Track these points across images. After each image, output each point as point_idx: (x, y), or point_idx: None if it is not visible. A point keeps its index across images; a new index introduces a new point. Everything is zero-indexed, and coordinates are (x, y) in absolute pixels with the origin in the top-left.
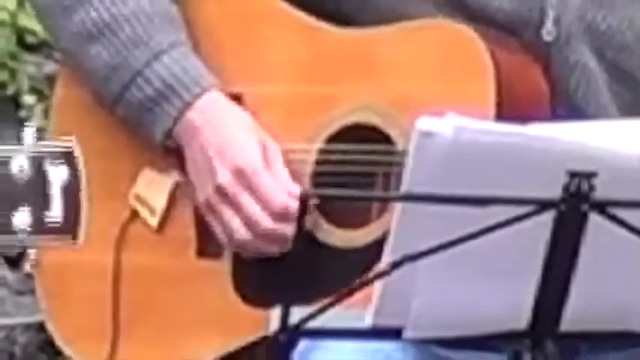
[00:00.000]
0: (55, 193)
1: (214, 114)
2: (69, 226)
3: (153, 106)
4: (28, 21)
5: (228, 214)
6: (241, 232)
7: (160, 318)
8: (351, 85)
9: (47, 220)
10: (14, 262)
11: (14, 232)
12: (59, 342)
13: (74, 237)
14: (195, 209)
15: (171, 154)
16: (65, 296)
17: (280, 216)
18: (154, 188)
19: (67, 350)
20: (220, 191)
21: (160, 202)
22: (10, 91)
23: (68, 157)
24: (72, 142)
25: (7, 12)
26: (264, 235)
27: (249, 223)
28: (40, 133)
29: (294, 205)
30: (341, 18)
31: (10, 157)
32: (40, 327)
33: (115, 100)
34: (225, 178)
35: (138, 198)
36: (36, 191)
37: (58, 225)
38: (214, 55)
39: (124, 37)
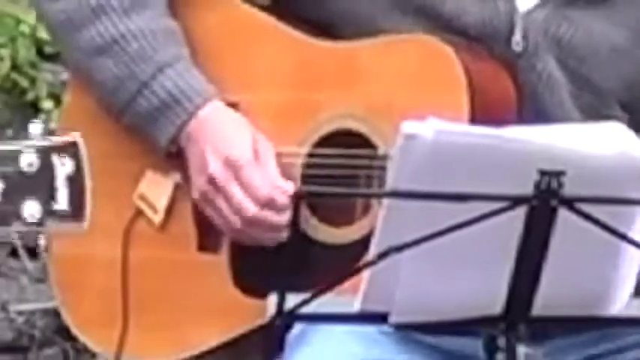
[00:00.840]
0: (61, 184)
1: (214, 121)
2: (75, 214)
3: (158, 116)
4: (46, 33)
5: (220, 202)
6: (231, 219)
7: (166, 307)
8: (336, 93)
9: (55, 209)
10: (34, 252)
11: (24, 221)
12: (73, 329)
13: (80, 223)
14: (195, 207)
15: (173, 157)
16: (78, 288)
17: (266, 204)
18: (156, 189)
19: (80, 337)
20: (212, 181)
21: (162, 202)
22: (30, 96)
23: (73, 150)
24: (76, 137)
25: (27, 25)
26: (251, 222)
27: (237, 210)
28: (49, 130)
29: (279, 196)
30: (325, 31)
31: (19, 153)
32: (58, 312)
33: (123, 110)
34: (215, 168)
35: (142, 198)
36: (44, 183)
37: (65, 213)
38: (212, 66)
39: (131, 52)
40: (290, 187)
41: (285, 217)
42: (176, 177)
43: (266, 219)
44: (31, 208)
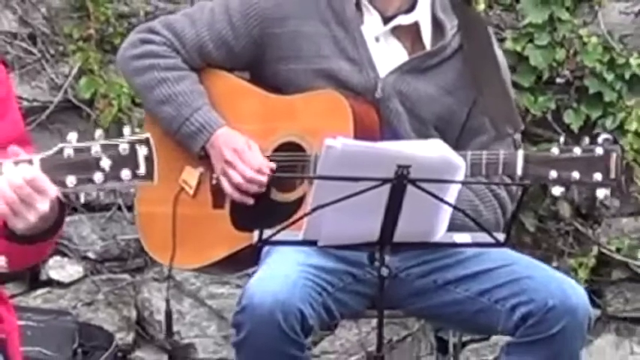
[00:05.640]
0: (141, 160)
1: (224, 135)
2: (148, 176)
3: (194, 136)
4: (136, 93)
5: (231, 172)
6: (237, 179)
7: (196, 239)
8: (284, 123)
9: (137, 173)
10: (130, 207)
11: (121, 180)
12: (147, 251)
13: (152, 181)
14: (211, 186)
15: (201, 158)
16: (149, 229)
17: (257, 171)
18: (191, 176)
19: (151, 254)
20: (226, 161)
21: (193, 183)
22: (128, 127)
23: (146, 141)
24: (149, 135)
25: (126, 87)
26: (249, 180)
27: (240, 173)
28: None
29: (264, 168)
30: (278, 90)
31: (118, 144)
32: None
33: (174, 133)
34: (228, 154)
35: (184, 181)
36: (132, 160)
37: (144, 176)
38: (219, 110)
39: (179, 102)
40: (270, 164)
41: (264, 178)
42: (201, 169)
43: (256, 178)
44: (126, 173)
